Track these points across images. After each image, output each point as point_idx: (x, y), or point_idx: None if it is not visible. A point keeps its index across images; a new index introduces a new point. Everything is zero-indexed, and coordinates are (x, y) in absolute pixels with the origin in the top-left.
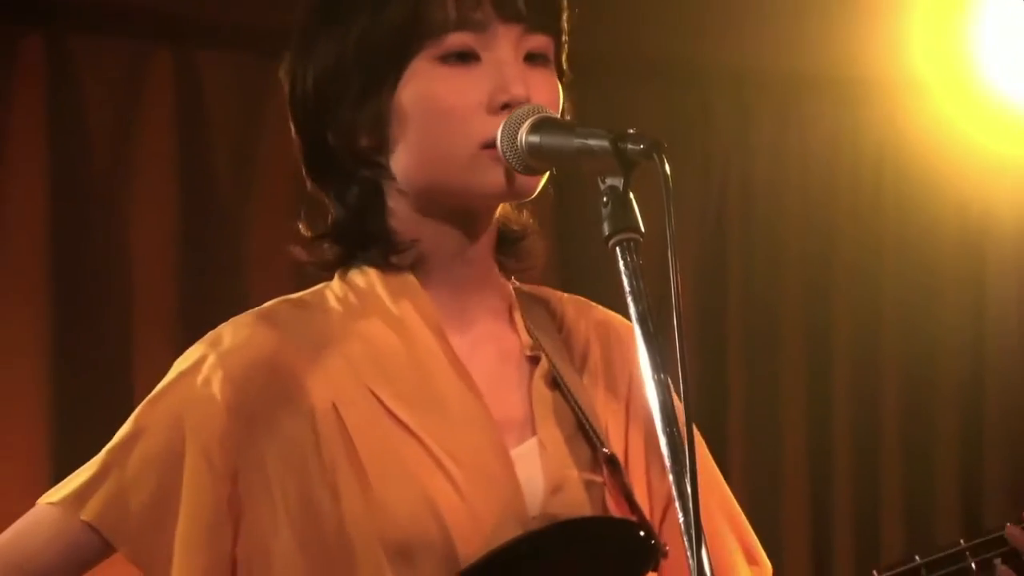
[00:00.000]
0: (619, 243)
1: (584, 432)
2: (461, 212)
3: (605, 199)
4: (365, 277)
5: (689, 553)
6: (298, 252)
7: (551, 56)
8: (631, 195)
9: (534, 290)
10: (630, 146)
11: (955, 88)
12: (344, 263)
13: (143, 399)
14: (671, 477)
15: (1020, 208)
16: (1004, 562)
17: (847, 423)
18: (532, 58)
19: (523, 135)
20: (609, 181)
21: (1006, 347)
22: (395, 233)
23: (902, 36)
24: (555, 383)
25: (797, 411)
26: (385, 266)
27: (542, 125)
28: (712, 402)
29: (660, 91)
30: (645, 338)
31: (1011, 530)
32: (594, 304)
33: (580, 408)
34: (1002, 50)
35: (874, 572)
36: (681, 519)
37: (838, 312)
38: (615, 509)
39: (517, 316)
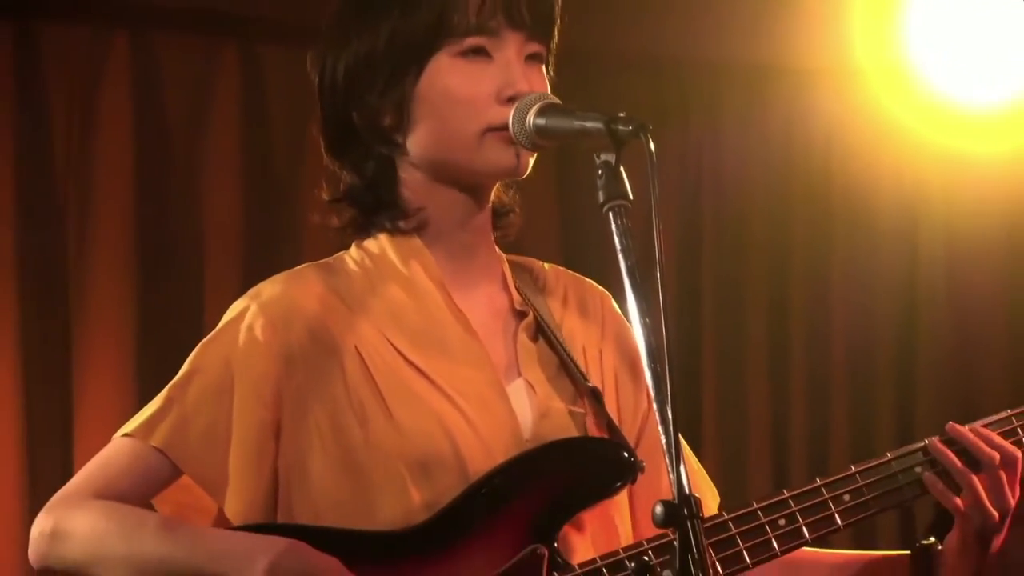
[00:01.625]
0: (612, 208)
1: (567, 372)
2: (466, 186)
3: (600, 172)
4: (377, 243)
5: (669, 468)
6: (316, 216)
7: (544, 57)
8: (622, 168)
9: (520, 259)
10: (621, 127)
11: (891, 77)
12: (356, 226)
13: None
14: (655, 405)
15: (947, 184)
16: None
17: (802, 360)
18: (530, 58)
19: (531, 117)
20: (603, 156)
21: (934, 303)
22: (405, 200)
23: (845, 30)
24: (538, 333)
25: (760, 351)
26: (394, 230)
27: (547, 109)
28: (689, 342)
29: (640, 82)
30: (633, 287)
31: (933, 442)
32: (570, 271)
33: (563, 351)
34: (933, 43)
35: (817, 479)
36: (663, 440)
37: (794, 269)
38: (597, 433)
39: (509, 278)
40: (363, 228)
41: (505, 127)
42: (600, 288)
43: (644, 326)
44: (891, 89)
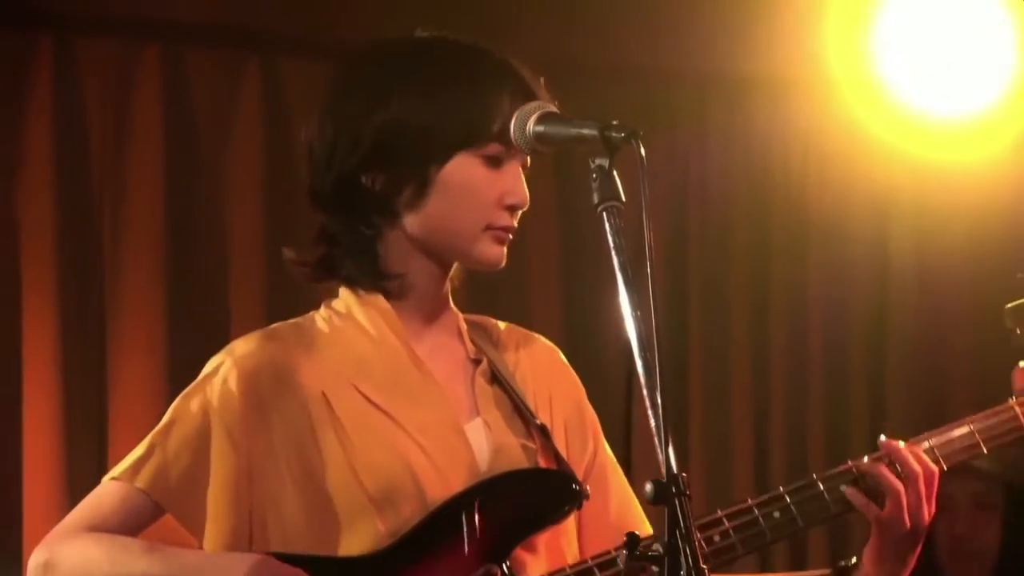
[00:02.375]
0: (605, 209)
1: (519, 412)
2: (445, 263)
3: (594, 175)
4: (343, 303)
5: (659, 449)
6: (291, 255)
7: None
8: (615, 172)
9: (476, 318)
10: (614, 134)
11: (864, 90)
12: (323, 268)
13: (239, 334)
14: (645, 392)
15: (917, 191)
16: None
17: (782, 354)
18: (524, 168)
19: (531, 125)
20: (598, 161)
21: (904, 303)
22: (384, 264)
23: (820, 44)
24: (493, 379)
25: (743, 346)
26: (358, 288)
27: (546, 118)
28: (676, 338)
29: (629, 93)
30: (625, 282)
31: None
32: (522, 329)
33: (515, 394)
34: (903, 57)
35: (748, 499)
36: (653, 424)
37: (775, 270)
38: (546, 465)
39: (464, 331)
40: (333, 270)
41: (501, 228)
42: (549, 343)
43: (635, 318)
44: (864, 101)
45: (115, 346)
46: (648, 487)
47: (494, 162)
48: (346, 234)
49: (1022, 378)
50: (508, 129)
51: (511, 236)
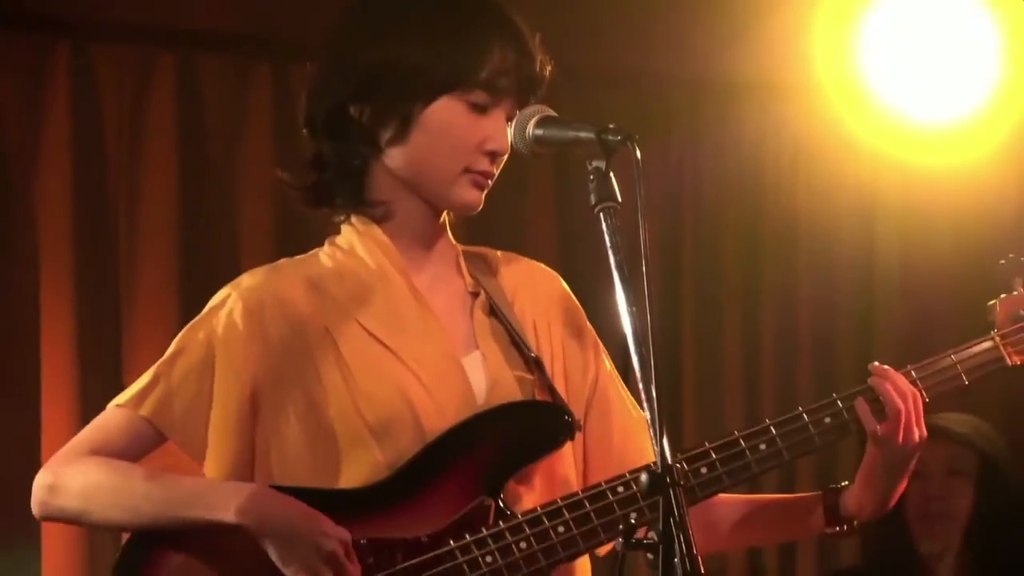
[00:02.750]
0: (602, 209)
1: (516, 345)
2: (428, 202)
3: (591, 176)
4: (346, 239)
5: (654, 441)
6: (285, 176)
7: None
8: (611, 174)
9: (475, 249)
10: (610, 136)
11: (851, 95)
12: (315, 193)
13: None
14: (640, 385)
15: (902, 193)
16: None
17: (772, 351)
18: (510, 119)
19: (530, 128)
20: (595, 163)
21: (890, 299)
22: (371, 191)
23: (809, 51)
24: (491, 311)
25: (734, 342)
26: (358, 219)
27: (545, 121)
28: (671, 334)
29: (625, 98)
30: (621, 279)
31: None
32: (522, 257)
33: (512, 327)
34: (888, 64)
35: (766, 420)
36: (648, 415)
37: (765, 267)
38: (541, 397)
39: (462, 264)
40: (329, 204)
41: (479, 172)
42: (550, 270)
43: (631, 314)
44: (851, 106)
45: (130, 340)
46: (644, 477)
47: (478, 109)
48: (334, 161)
49: (1002, 310)
50: (497, 78)
51: (490, 182)
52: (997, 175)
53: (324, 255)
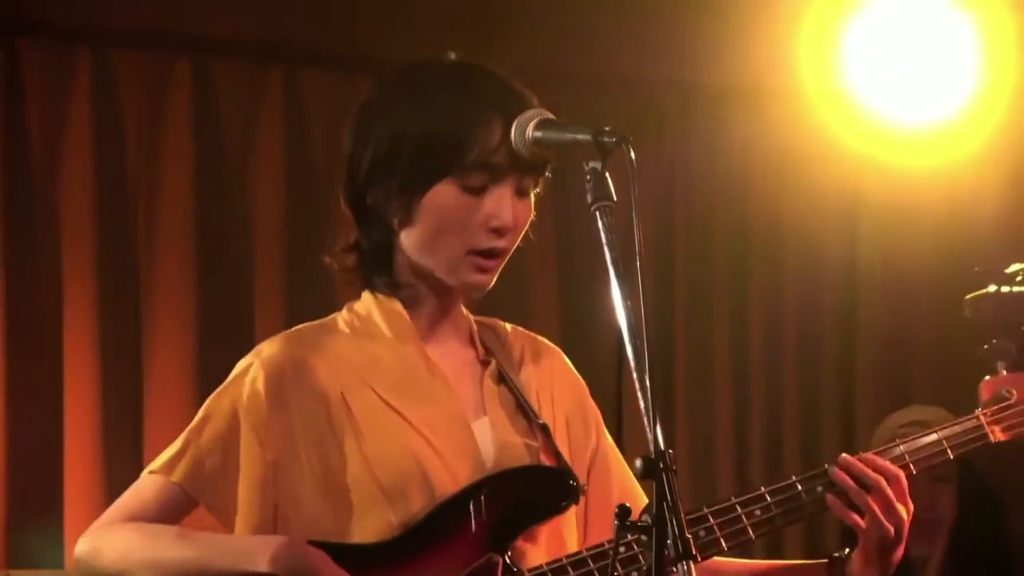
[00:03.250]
0: (598, 208)
1: (523, 412)
2: (442, 288)
3: (588, 177)
4: (364, 306)
5: (648, 427)
6: (328, 262)
7: (534, 186)
8: (607, 174)
9: (486, 320)
10: (606, 138)
11: (834, 99)
12: (358, 273)
13: (261, 324)
14: (634, 375)
15: (883, 193)
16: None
17: (759, 345)
18: (521, 192)
19: (530, 131)
20: (591, 164)
21: (872, 297)
22: (397, 271)
23: (793, 56)
24: (500, 379)
25: (723, 336)
26: (381, 292)
27: (543, 124)
28: (662, 322)
29: (619, 102)
30: (616, 275)
31: (832, 469)
32: (529, 332)
33: (519, 395)
34: (870, 69)
35: (732, 497)
36: (641, 404)
37: (753, 264)
38: (547, 463)
39: (475, 334)
40: (364, 281)
41: (483, 251)
42: (553, 346)
43: (626, 308)
44: (835, 110)
45: (149, 329)
46: (638, 463)
47: (476, 191)
48: (365, 244)
49: (987, 390)
50: (492, 156)
51: (498, 259)
52: (975, 176)
53: (342, 320)
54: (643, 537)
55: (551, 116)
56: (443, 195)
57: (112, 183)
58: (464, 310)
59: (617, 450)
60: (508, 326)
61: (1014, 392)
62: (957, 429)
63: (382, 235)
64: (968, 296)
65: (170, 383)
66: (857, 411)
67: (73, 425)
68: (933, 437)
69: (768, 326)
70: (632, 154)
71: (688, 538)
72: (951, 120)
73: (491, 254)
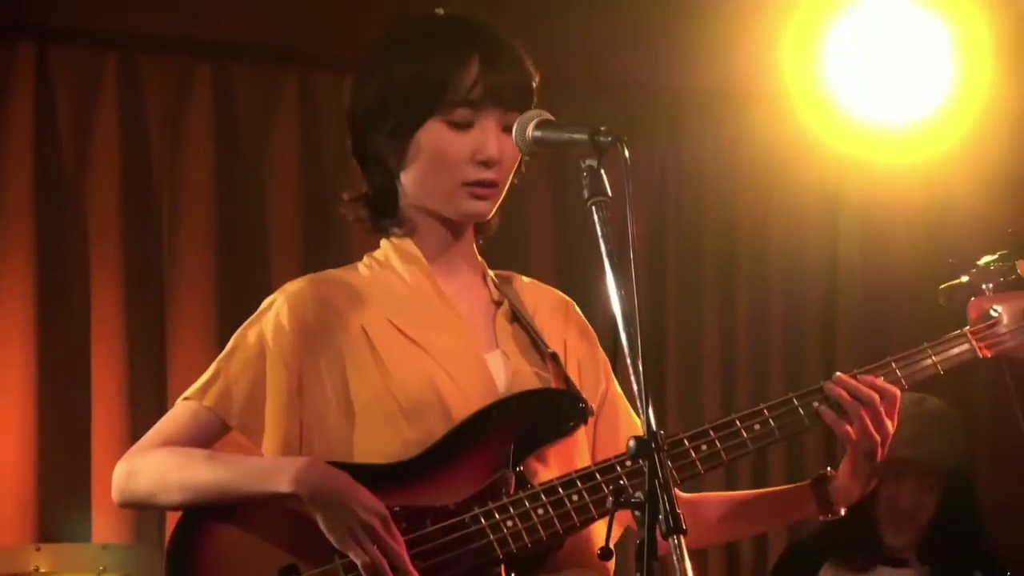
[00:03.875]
0: (594, 203)
1: (535, 347)
2: (444, 221)
3: (585, 174)
4: (383, 252)
5: (640, 409)
6: (343, 209)
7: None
8: (603, 171)
9: (504, 272)
10: (601, 138)
11: (816, 101)
12: (370, 222)
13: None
14: (628, 360)
15: (863, 189)
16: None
17: (746, 332)
18: (506, 129)
19: (530, 131)
20: (587, 162)
21: (852, 283)
22: (402, 212)
23: (777, 61)
24: (513, 319)
25: (712, 325)
26: (393, 235)
27: (543, 124)
28: (655, 311)
29: (614, 105)
30: (611, 266)
31: (828, 384)
32: (544, 284)
33: (532, 332)
34: (850, 71)
35: (732, 414)
36: (635, 387)
37: (740, 256)
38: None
39: (489, 277)
40: (375, 226)
41: (475, 183)
42: (566, 296)
43: (620, 297)
44: (817, 111)
45: (173, 323)
46: (631, 443)
47: (462, 126)
48: (371, 191)
49: (974, 309)
50: (472, 92)
51: (492, 188)
52: (950, 173)
53: (363, 266)
54: (637, 513)
55: (550, 117)
56: (431, 133)
57: (137, 180)
58: (478, 256)
59: (624, 398)
60: (525, 278)
61: (1000, 310)
62: (947, 346)
63: (384, 179)
64: (942, 286)
65: (193, 368)
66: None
67: (101, 409)
68: (926, 356)
69: (754, 316)
70: (626, 153)
71: (679, 513)
72: (927, 120)
73: (483, 184)
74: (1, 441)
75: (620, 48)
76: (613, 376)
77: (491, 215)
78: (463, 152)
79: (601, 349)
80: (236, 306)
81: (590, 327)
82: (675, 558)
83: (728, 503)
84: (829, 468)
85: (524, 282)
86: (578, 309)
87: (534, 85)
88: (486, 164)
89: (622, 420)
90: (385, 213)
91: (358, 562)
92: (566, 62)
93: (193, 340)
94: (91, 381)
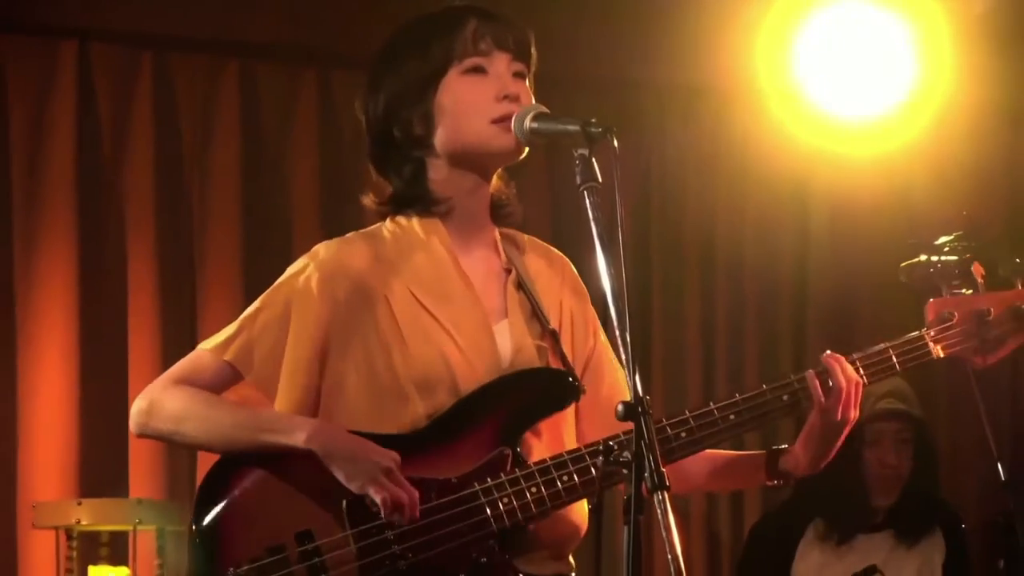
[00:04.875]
0: (586, 188)
1: (537, 317)
2: (478, 168)
3: (577, 162)
4: (406, 218)
5: (628, 376)
6: (367, 203)
7: (526, 75)
8: (594, 160)
9: (508, 231)
10: (592, 129)
11: (786, 97)
12: (396, 206)
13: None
14: (617, 332)
15: (830, 177)
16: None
17: (724, 306)
18: (516, 75)
19: (527, 122)
20: (580, 151)
21: (821, 262)
22: (432, 192)
23: (751, 60)
24: (520, 286)
25: (693, 300)
26: (423, 213)
27: (539, 117)
28: (641, 287)
29: (602, 102)
30: (601, 246)
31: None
32: (543, 242)
33: (535, 302)
34: (818, 69)
35: (711, 403)
36: (623, 356)
37: (718, 240)
38: (554, 364)
39: (500, 246)
40: (398, 206)
41: (503, 119)
42: (562, 255)
43: (609, 274)
44: (787, 107)
45: (203, 301)
46: (619, 407)
47: (476, 71)
48: (398, 184)
49: (932, 311)
50: (479, 43)
51: None
52: (910, 161)
53: (386, 230)
54: (624, 471)
55: (546, 110)
56: (451, 85)
57: (170, 166)
58: (491, 223)
59: (611, 351)
60: (525, 236)
61: (955, 314)
62: (906, 346)
63: (413, 165)
64: (903, 264)
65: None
66: (807, 361)
67: (137, 376)
68: (886, 353)
69: (731, 291)
70: (615, 142)
71: (663, 472)
72: (890, 115)
73: (511, 118)
74: (47, 407)
75: (610, 48)
76: (601, 330)
77: (523, 154)
78: (486, 93)
79: (591, 307)
80: (260, 286)
81: (582, 285)
82: (659, 512)
83: (707, 461)
84: (784, 445)
85: (525, 241)
86: (572, 267)
87: (532, 40)
88: (509, 99)
89: (606, 373)
90: (415, 201)
91: (378, 499)
92: (559, 60)
93: (223, 317)
94: (128, 352)
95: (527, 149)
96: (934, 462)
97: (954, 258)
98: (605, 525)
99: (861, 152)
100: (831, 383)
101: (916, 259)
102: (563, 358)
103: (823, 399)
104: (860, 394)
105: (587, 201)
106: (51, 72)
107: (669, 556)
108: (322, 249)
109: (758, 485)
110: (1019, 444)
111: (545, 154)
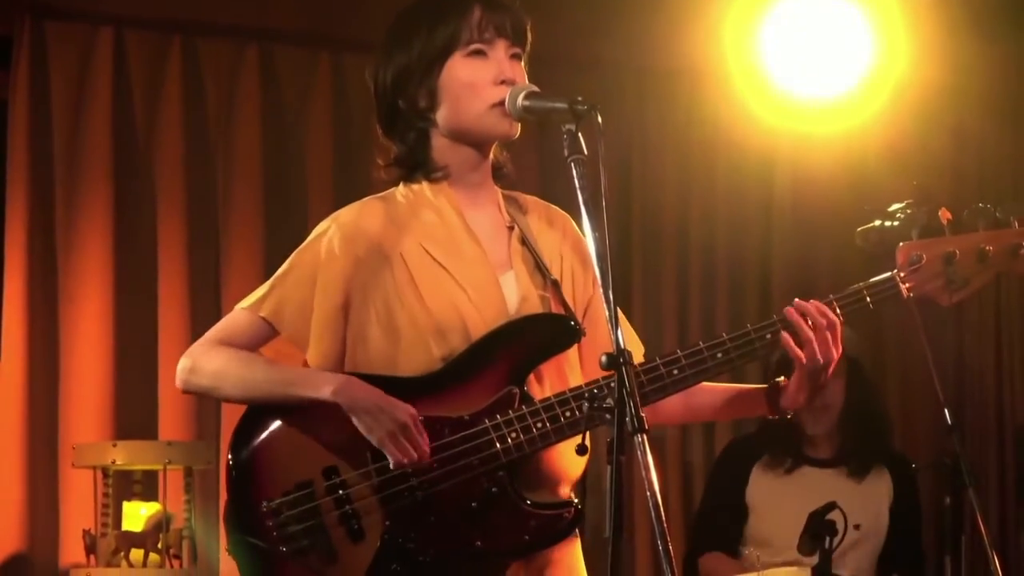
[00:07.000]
0: (573, 160)
1: (539, 269)
2: (476, 143)
3: (565, 136)
4: (418, 184)
5: (611, 331)
6: (375, 173)
7: (521, 57)
8: (580, 134)
9: (511, 192)
10: (578, 106)
11: (753, 78)
12: (403, 179)
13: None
14: (600, 289)
15: (794, 153)
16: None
17: (698, 267)
18: (513, 56)
19: (520, 100)
20: (567, 126)
21: (784, 228)
22: (434, 160)
23: (720, 43)
24: (523, 242)
25: (670, 260)
26: (431, 179)
27: (530, 95)
28: (622, 249)
29: (585, 81)
30: (587, 213)
31: (788, 310)
32: (544, 201)
33: (537, 255)
34: (781, 53)
35: (700, 343)
36: (606, 312)
37: (692, 210)
38: (556, 311)
39: (502, 204)
40: (404, 171)
41: (502, 103)
42: (563, 212)
43: (595, 239)
44: (753, 87)
45: (227, 261)
46: (603, 358)
47: (478, 54)
48: (403, 150)
49: (902, 254)
50: (482, 29)
51: None
52: (866, 137)
53: (400, 195)
54: (608, 416)
55: (536, 89)
56: (454, 68)
57: (197, 144)
58: (494, 185)
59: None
60: (529, 197)
61: (923, 256)
62: (878, 286)
63: (416, 133)
64: (859, 229)
65: (243, 290)
66: (772, 314)
67: (167, 328)
68: (860, 292)
69: (704, 254)
70: (599, 119)
71: (643, 416)
72: (848, 95)
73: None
74: (85, 358)
75: (593, 32)
76: (598, 282)
77: (517, 134)
78: (485, 77)
79: (591, 260)
80: (281, 249)
81: (583, 241)
82: (639, 452)
83: (713, 393)
84: (783, 378)
85: (528, 201)
86: (574, 224)
87: (528, 24)
88: (506, 84)
89: (601, 317)
90: (418, 166)
91: (391, 457)
92: (546, 43)
93: (246, 276)
94: (158, 307)
95: (519, 125)
96: (870, 397)
97: (902, 224)
98: (592, 465)
99: (821, 129)
100: (798, 335)
101: (870, 224)
102: (565, 305)
103: (800, 354)
104: (838, 333)
105: (574, 172)
106: (89, 57)
107: (648, 492)
108: (343, 213)
109: (758, 415)
110: (963, 390)
111: (537, 133)
